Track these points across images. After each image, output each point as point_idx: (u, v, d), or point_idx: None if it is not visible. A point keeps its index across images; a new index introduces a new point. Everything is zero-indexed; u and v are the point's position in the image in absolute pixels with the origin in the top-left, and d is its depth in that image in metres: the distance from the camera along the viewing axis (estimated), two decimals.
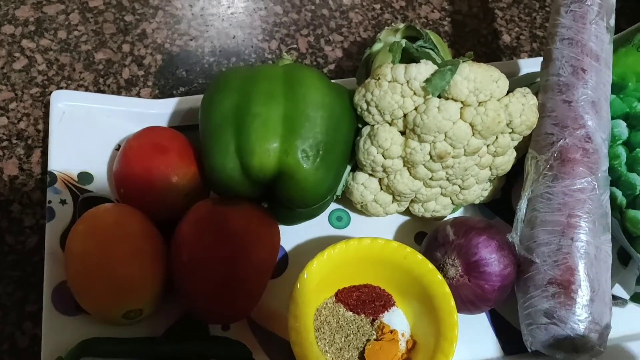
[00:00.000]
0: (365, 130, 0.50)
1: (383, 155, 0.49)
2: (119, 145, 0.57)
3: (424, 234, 0.56)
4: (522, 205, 0.50)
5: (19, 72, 0.63)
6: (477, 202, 0.55)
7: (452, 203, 0.55)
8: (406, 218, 0.58)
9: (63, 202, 0.52)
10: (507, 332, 0.53)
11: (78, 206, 0.52)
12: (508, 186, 0.57)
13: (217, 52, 0.67)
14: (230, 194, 0.49)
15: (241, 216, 0.47)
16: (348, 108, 0.50)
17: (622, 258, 0.55)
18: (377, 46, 0.57)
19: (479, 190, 0.54)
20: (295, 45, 0.67)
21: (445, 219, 0.56)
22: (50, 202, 0.51)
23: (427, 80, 0.46)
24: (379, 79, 0.48)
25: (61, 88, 0.62)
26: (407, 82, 0.47)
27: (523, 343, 0.50)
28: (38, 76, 0.63)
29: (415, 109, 0.48)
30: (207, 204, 0.49)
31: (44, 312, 0.47)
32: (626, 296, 0.54)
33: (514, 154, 0.52)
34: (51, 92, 0.62)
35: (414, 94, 0.47)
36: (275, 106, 0.47)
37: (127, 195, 0.51)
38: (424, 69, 0.47)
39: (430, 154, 0.48)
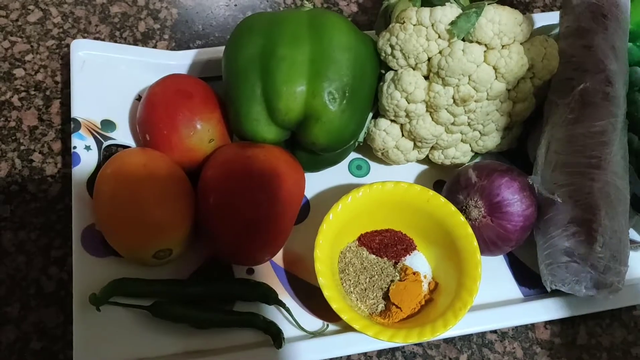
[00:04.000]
0: (389, 75, 0.50)
1: (407, 100, 0.50)
2: (139, 96, 0.57)
3: (443, 182, 0.57)
4: (542, 149, 0.51)
5: (33, 24, 0.63)
6: (495, 150, 0.56)
7: (472, 150, 0.55)
8: (424, 167, 0.58)
9: (87, 148, 0.52)
10: (525, 275, 0.54)
11: (102, 152, 0.52)
12: (524, 136, 0.58)
13: (232, 6, 0.67)
14: (254, 139, 0.50)
15: (267, 158, 0.48)
16: (372, 54, 0.50)
17: (634, 205, 0.56)
18: None
19: (498, 138, 0.55)
20: None
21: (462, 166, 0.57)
22: (75, 147, 0.51)
23: (453, 23, 0.47)
24: (404, 22, 0.48)
25: None
26: (432, 24, 0.47)
27: (540, 285, 0.51)
28: (53, 29, 0.63)
29: (440, 52, 0.48)
30: (233, 146, 0.50)
31: (74, 254, 0.47)
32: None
33: (533, 100, 0.53)
34: (68, 44, 0.62)
35: (439, 37, 0.48)
36: (302, 49, 0.47)
37: (153, 141, 0.51)
38: (449, 12, 0.47)
39: (453, 97, 0.49)
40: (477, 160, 0.58)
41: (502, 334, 0.52)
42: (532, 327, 0.53)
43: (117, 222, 0.45)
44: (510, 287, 0.53)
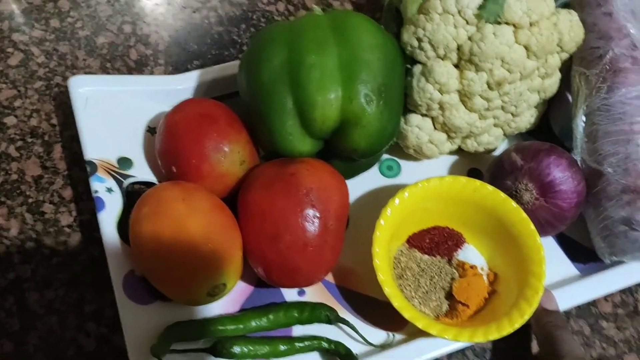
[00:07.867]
0: (417, 68, 0.49)
1: (440, 91, 0.48)
2: (149, 127, 0.53)
3: (476, 170, 0.56)
4: (579, 122, 0.50)
5: (16, 67, 0.58)
6: (525, 130, 0.55)
7: (504, 134, 0.54)
8: (455, 157, 0.57)
9: (109, 190, 0.48)
10: (577, 251, 0.53)
11: (125, 193, 0.49)
12: (544, 113, 0.57)
13: (224, 21, 0.64)
14: (290, 154, 0.47)
15: (310, 172, 0.45)
16: (397, 49, 0.49)
17: None
18: None
19: (529, 116, 0.54)
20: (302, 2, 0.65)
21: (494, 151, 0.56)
22: (97, 192, 0.47)
23: (481, 7, 0.46)
24: (429, 12, 0.47)
25: (67, 78, 0.58)
26: (459, 11, 0.46)
27: (594, 259, 0.51)
28: (39, 69, 0.58)
29: (469, 38, 0.47)
30: (271, 165, 0.47)
31: (119, 307, 0.43)
32: None
33: (559, 74, 0.52)
34: (57, 84, 0.58)
35: (467, 23, 0.46)
36: (330, 54, 0.45)
37: (181, 172, 0.47)
38: None
39: (487, 82, 0.48)
40: (504, 144, 0.57)
41: (565, 314, 0.51)
42: (593, 302, 0.52)
43: (165, 265, 0.42)
44: (564, 266, 0.52)
